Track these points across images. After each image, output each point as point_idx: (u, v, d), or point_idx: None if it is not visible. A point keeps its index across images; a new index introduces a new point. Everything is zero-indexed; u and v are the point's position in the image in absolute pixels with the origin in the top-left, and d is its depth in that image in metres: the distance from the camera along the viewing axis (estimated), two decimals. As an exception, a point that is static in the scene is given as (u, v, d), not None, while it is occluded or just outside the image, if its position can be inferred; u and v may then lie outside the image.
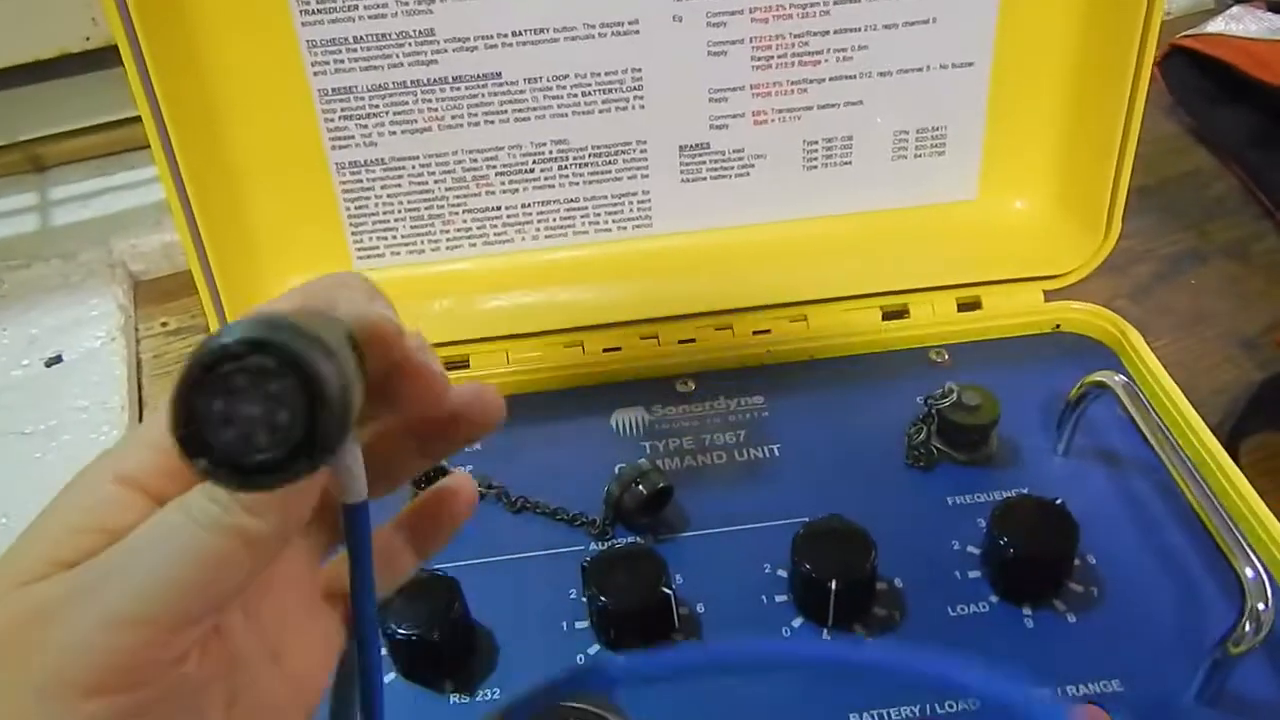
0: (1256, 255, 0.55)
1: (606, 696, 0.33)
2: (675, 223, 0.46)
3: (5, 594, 0.19)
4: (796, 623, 0.35)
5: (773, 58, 0.43)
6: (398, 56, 0.41)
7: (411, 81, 0.42)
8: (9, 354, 0.52)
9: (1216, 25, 0.64)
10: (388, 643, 0.34)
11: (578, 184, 0.45)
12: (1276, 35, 0.62)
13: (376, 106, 0.42)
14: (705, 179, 0.45)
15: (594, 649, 0.35)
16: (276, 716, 0.22)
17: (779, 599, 0.36)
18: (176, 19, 0.38)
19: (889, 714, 0.33)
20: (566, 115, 0.43)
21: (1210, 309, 0.52)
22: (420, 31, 0.41)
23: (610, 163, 0.44)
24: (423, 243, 0.45)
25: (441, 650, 0.34)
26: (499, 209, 0.45)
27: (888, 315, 0.46)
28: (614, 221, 0.46)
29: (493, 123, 0.43)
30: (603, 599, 0.34)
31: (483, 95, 0.42)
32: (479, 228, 0.45)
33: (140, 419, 0.50)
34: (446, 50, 0.41)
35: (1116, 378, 0.38)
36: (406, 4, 0.40)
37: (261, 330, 0.16)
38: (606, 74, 0.42)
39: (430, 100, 0.42)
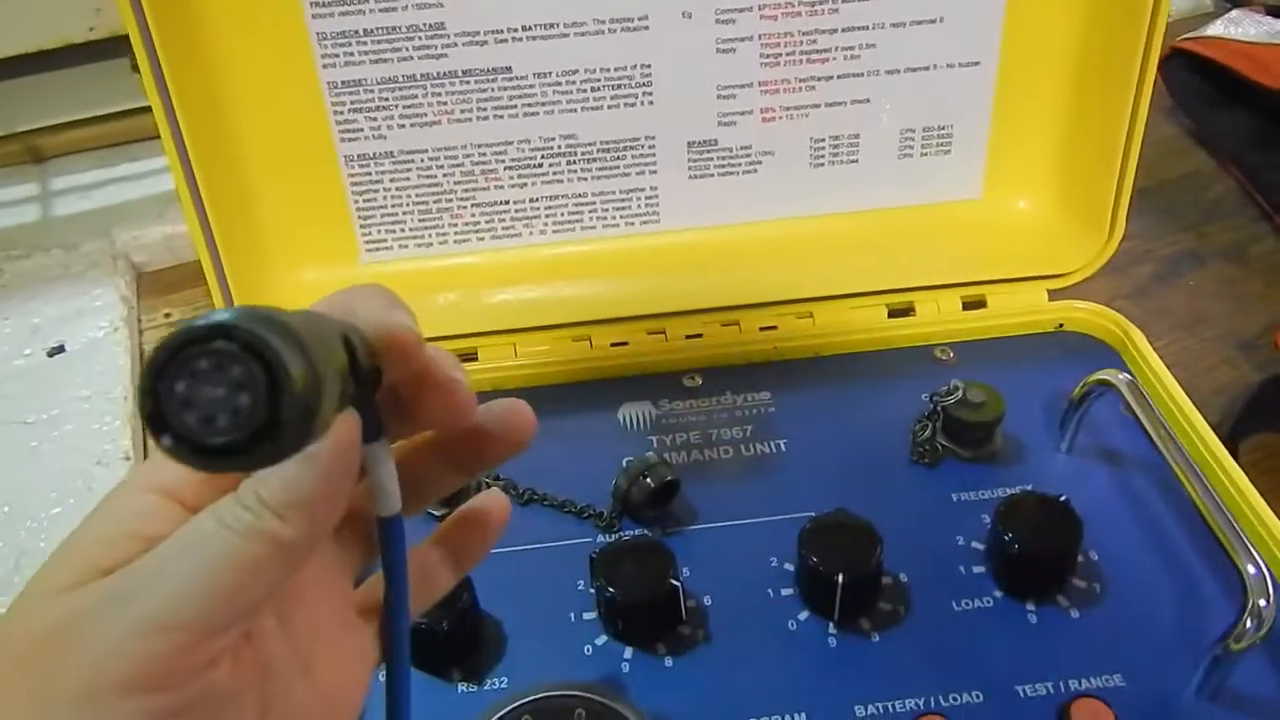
0: (1255, 257, 0.55)
1: (614, 686, 0.33)
2: (683, 219, 0.46)
3: (44, 601, 0.19)
4: (803, 616, 0.35)
5: (781, 55, 0.43)
6: (407, 50, 0.41)
7: (421, 75, 0.42)
8: (11, 343, 0.52)
9: (1216, 28, 0.64)
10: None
11: (586, 179, 0.45)
12: (1275, 39, 0.62)
13: (386, 99, 0.42)
14: (713, 175, 0.45)
15: (601, 640, 0.35)
16: None
17: (785, 592, 0.36)
18: (187, 11, 0.38)
19: (892, 706, 0.33)
20: (575, 110, 0.43)
21: (1209, 310, 0.52)
22: (430, 25, 0.41)
23: (619, 158, 0.44)
24: (431, 236, 0.45)
25: (450, 640, 0.34)
26: (507, 203, 0.45)
27: (893, 313, 0.46)
28: (622, 217, 0.46)
29: (502, 117, 0.43)
30: (611, 590, 0.34)
31: (492, 89, 0.42)
32: (487, 222, 0.45)
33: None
34: (456, 44, 0.41)
35: (1121, 376, 0.38)
36: (418, -3, 0.40)
37: (230, 317, 0.16)
38: (616, 69, 0.42)
39: (440, 94, 0.42)
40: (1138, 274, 0.54)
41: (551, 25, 0.41)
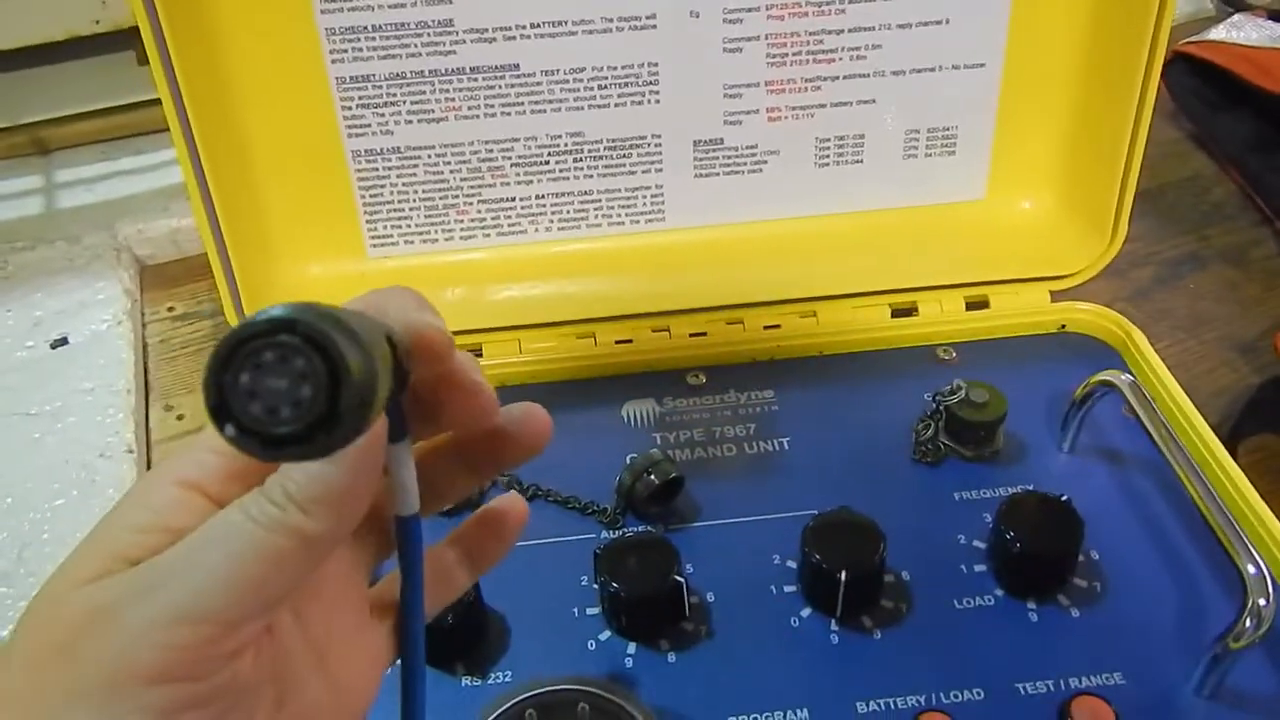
0: (1255, 261, 0.56)
1: (617, 681, 0.33)
2: (688, 217, 0.46)
3: (71, 590, 0.20)
4: (805, 613, 0.36)
5: (787, 55, 0.43)
6: (416, 46, 0.41)
7: (429, 71, 0.42)
8: (14, 335, 0.52)
9: (1218, 32, 0.64)
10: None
11: (592, 177, 0.45)
12: (1277, 43, 0.62)
13: (393, 95, 0.42)
14: (718, 174, 0.46)
15: (605, 635, 0.35)
16: None
17: (788, 589, 0.36)
18: (197, 5, 0.38)
19: (894, 703, 0.33)
20: (582, 108, 0.43)
21: (1209, 313, 0.53)
22: (439, 21, 0.41)
23: (625, 156, 0.45)
24: (436, 232, 0.45)
25: (454, 634, 0.34)
26: (513, 200, 0.45)
27: (896, 313, 0.46)
28: (627, 215, 0.46)
29: (509, 114, 0.43)
30: (614, 586, 0.34)
31: (500, 86, 0.42)
32: (493, 218, 0.45)
33: (146, 403, 0.50)
34: (465, 41, 0.41)
35: (1123, 377, 0.38)
36: (427, -6, 0.40)
37: (291, 311, 0.17)
38: (623, 68, 0.43)
39: (447, 90, 0.42)
40: (1139, 276, 0.54)
41: (560, 23, 0.41)
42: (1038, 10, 0.43)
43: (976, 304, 0.47)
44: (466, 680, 0.34)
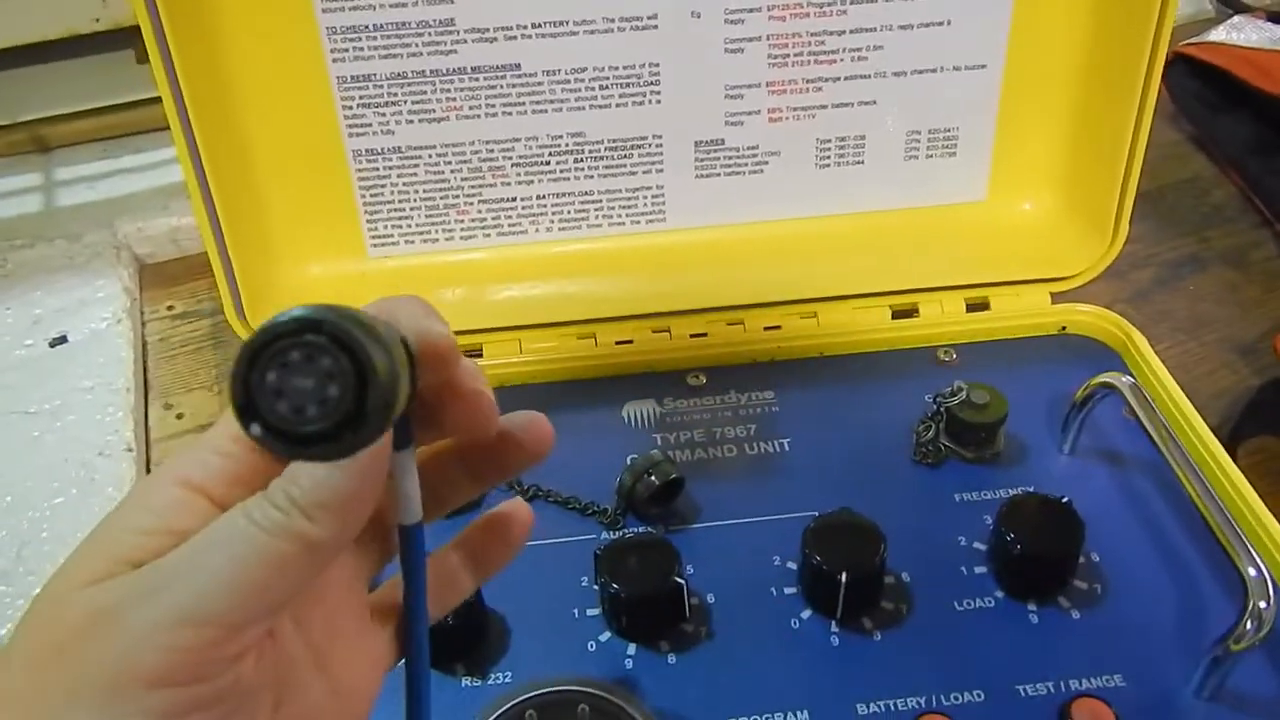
0: (1254, 263, 0.56)
1: (617, 682, 0.33)
2: (689, 218, 0.46)
3: (73, 592, 0.20)
4: (805, 614, 0.36)
5: (789, 56, 0.43)
6: (417, 46, 0.41)
7: (430, 71, 0.42)
8: (13, 333, 0.52)
9: (1218, 34, 0.64)
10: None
11: (593, 177, 0.45)
12: (1277, 45, 0.62)
13: (395, 95, 0.42)
14: (719, 175, 0.46)
15: (605, 636, 0.35)
16: None
17: (788, 591, 0.36)
18: (199, 4, 0.38)
19: (894, 705, 0.33)
20: (583, 108, 0.43)
21: (1209, 315, 0.53)
22: (440, 21, 0.41)
23: (626, 156, 0.45)
24: (437, 232, 0.45)
25: (454, 634, 0.34)
26: (514, 200, 0.45)
27: (897, 314, 0.46)
28: (628, 215, 0.46)
29: (510, 114, 0.43)
30: (615, 586, 0.34)
31: (501, 86, 0.42)
32: (494, 218, 0.45)
33: (146, 401, 0.50)
34: (466, 40, 0.41)
35: (1123, 379, 0.38)
36: (428, -7, 0.40)
37: (317, 312, 0.17)
38: (624, 68, 0.43)
39: (448, 90, 0.42)
40: (1139, 278, 0.55)
41: (561, 23, 0.41)
42: (1039, 12, 0.43)
43: (977, 305, 0.47)
44: (466, 681, 0.34)
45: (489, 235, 0.46)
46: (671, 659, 0.35)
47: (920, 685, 0.33)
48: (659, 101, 0.43)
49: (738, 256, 0.46)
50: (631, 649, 0.35)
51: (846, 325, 0.46)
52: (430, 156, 0.44)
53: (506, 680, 0.34)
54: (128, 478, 0.44)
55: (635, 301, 0.45)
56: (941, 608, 0.36)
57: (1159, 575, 0.37)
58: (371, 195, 0.44)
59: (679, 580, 0.34)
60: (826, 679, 0.34)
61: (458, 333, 0.44)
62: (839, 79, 0.44)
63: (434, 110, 0.43)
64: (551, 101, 0.43)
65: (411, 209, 0.45)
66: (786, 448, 0.42)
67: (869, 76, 0.44)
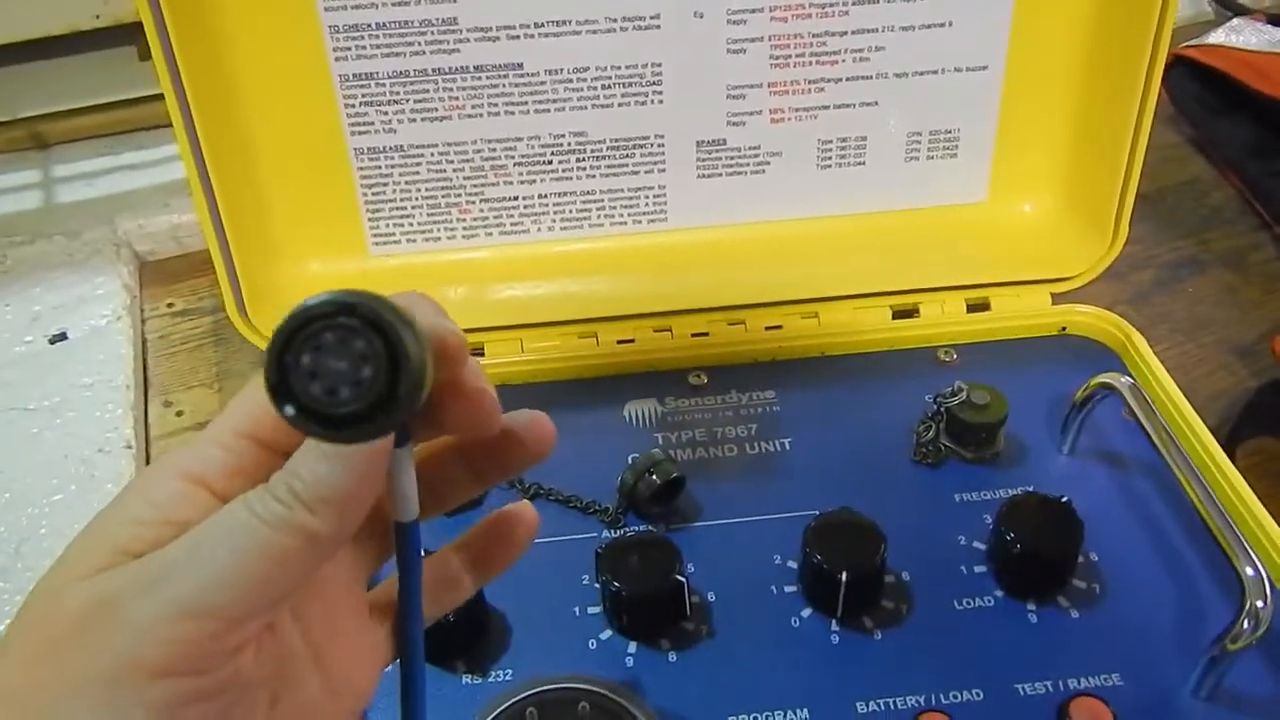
0: (1253, 265, 0.56)
1: (618, 680, 0.34)
2: (690, 218, 0.46)
3: (74, 583, 0.20)
4: (805, 613, 0.36)
5: (791, 56, 0.43)
6: (419, 44, 0.41)
7: (433, 70, 0.42)
8: (12, 330, 0.52)
9: (1217, 36, 0.65)
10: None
11: (595, 176, 0.45)
12: (1276, 48, 0.63)
13: (397, 94, 0.42)
14: (721, 175, 0.46)
15: (606, 634, 0.35)
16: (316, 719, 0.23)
17: (788, 589, 0.36)
18: (201, 1, 0.38)
19: (894, 703, 0.33)
20: (586, 108, 0.43)
21: (1207, 316, 0.53)
22: (443, 20, 0.41)
23: (628, 156, 0.45)
24: (439, 231, 0.45)
25: (455, 631, 0.34)
26: (516, 199, 0.45)
27: (898, 314, 0.46)
28: (630, 215, 0.46)
29: (512, 113, 0.43)
30: (616, 585, 0.34)
31: (503, 85, 0.42)
32: (495, 217, 0.45)
33: (145, 398, 0.50)
34: (468, 39, 0.41)
35: (1123, 380, 0.38)
36: (431, -8, 0.40)
37: (351, 296, 0.18)
38: (627, 68, 0.43)
39: (451, 89, 0.42)
40: (1138, 280, 0.55)
41: (563, 22, 0.41)
42: (1040, 13, 0.43)
43: (978, 306, 0.47)
44: (467, 678, 0.34)
45: (491, 234, 0.46)
46: (672, 657, 0.35)
47: (920, 684, 0.34)
48: (661, 101, 0.44)
49: (739, 256, 0.46)
50: (632, 647, 0.35)
51: (847, 325, 0.46)
52: (432, 155, 0.44)
53: (507, 678, 0.34)
54: (127, 475, 0.44)
55: (637, 301, 0.45)
56: (941, 607, 0.36)
57: (1157, 575, 0.37)
58: (373, 194, 0.44)
59: (680, 579, 0.34)
60: (826, 677, 0.34)
61: (459, 331, 0.44)
62: (840, 80, 0.44)
63: (436, 109, 0.43)
64: (554, 101, 0.43)
65: (413, 207, 0.45)
66: (787, 447, 0.42)
67: (870, 77, 0.44)
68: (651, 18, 0.42)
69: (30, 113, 0.63)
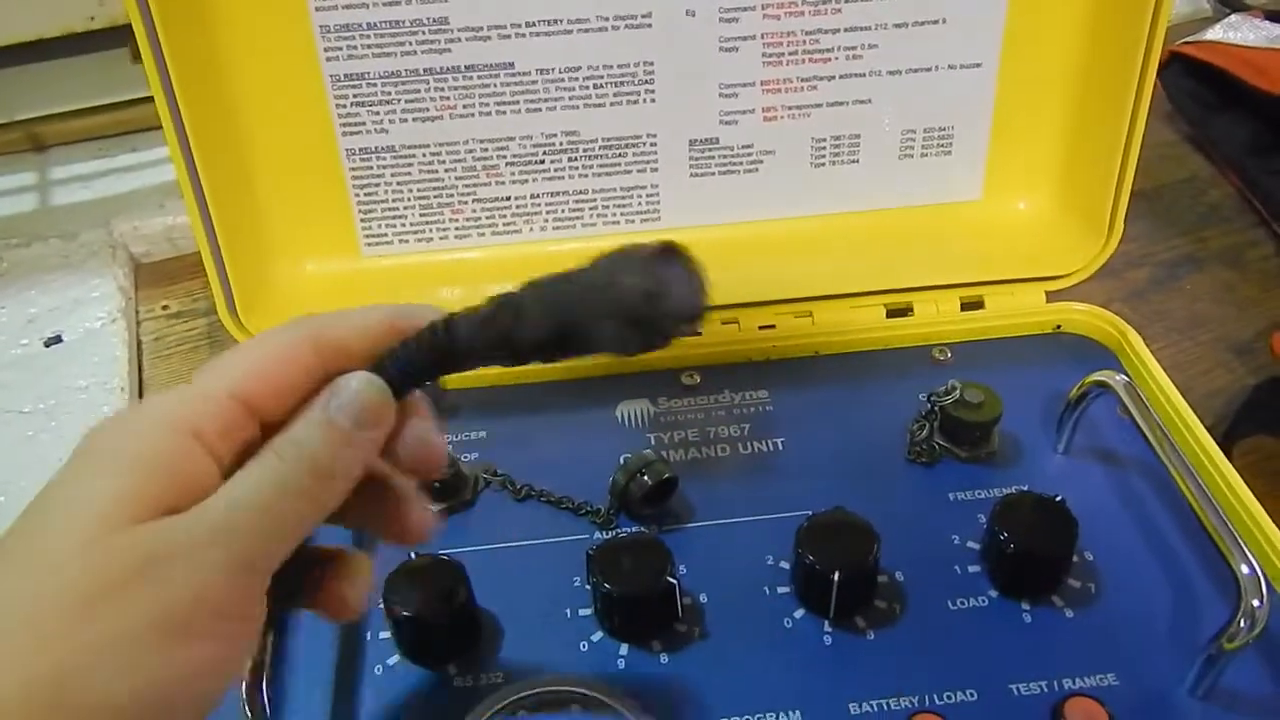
0: (1251, 262, 0.56)
1: (609, 682, 0.33)
2: (683, 217, 0.46)
3: (117, 534, 0.21)
4: (798, 614, 0.36)
5: (783, 54, 0.43)
6: (411, 44, 0.41)
7: (424, 70, 0.42)
8: (7, 332, 0.52)
9: (1215, 33, 0.64)
10: (392, 624, 0.34)
11: (587, 176, 0.45)
12: (1274, 44, 0.62)
13: (388, 94, 0.42)
14: (714, 174, 0.45)
15: (597, 636, 0.35)
16: None
17: (781, 590, 0.36)
18: (191, 3, 0.38)
19: (887, 704, 0.33)
20: (578, 107, 0.43)
21: (1205, 314, 0.53)
22: (434, 20, 0.41)
23: (620, 155, 0.45)
24: (431, 231, 0.45)
25: (445, 633, 0.34)
26: (508, 199, 0.45)
27: (892, 313, 0.46)
28: (622, 214, 0.46)
29: (504, 113, 0.43)
30: (607, 586, 0.34)
31: (495, 85, 0.42)
32: (488, 217, 0.45)
33: (140, 401, 0.50)
34: (460, 39, 0.41)
35: (1118, 378, 0.38)
36: (421, -8, 0.40)
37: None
38: (618, 66, 0.43)
39: (442, 89, 0.42)
40: (1135, 277, 0.54)
41: (555, 21, 0.41)
42: (1034, 10, 0.43)
43: (972, 304, 0.47)
44: (458, 680, 0.34)
45: (483, 234, 0.46)
46: (664, 659, 0.34)
47: (913, 685, 0.33)
48: (653, 100, 0.43)
49: (732, 255, 0.46)
50: (624, 649, 0.35)
51: (841, 324, 0.46)
52: (424, 155, 0.44)
53: (498, 680, 0.34)
54: (121, 477, 0.44)
55: (629, 300, 0.45)
56: (935, 607, 0.36)
57: (1153, 574, 0.37)
58: (365, 194, 0.44)
59: (672, 580, 0.34)
60: (819, 679, 0.34)
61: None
62: (834, 77, 0.44)
63: (428, 109, 0.42)
64: (546, 100, 0.43)
65: (406, 208, 0.45)
66: (780, 447, 0.42)
67: (864, 75, 0.44)
68: (643, 16, 0.41)
69: (25, 115, 0.63)
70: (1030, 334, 0.46)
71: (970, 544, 0.37)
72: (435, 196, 0.45)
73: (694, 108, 0.44)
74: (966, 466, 0.40)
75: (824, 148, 0.45)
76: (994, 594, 0.36)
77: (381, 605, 0.34)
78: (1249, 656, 0.33)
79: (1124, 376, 0.39)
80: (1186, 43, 0.65)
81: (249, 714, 0.31)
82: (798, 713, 0.33)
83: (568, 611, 0.36)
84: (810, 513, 0.36)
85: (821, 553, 0.34)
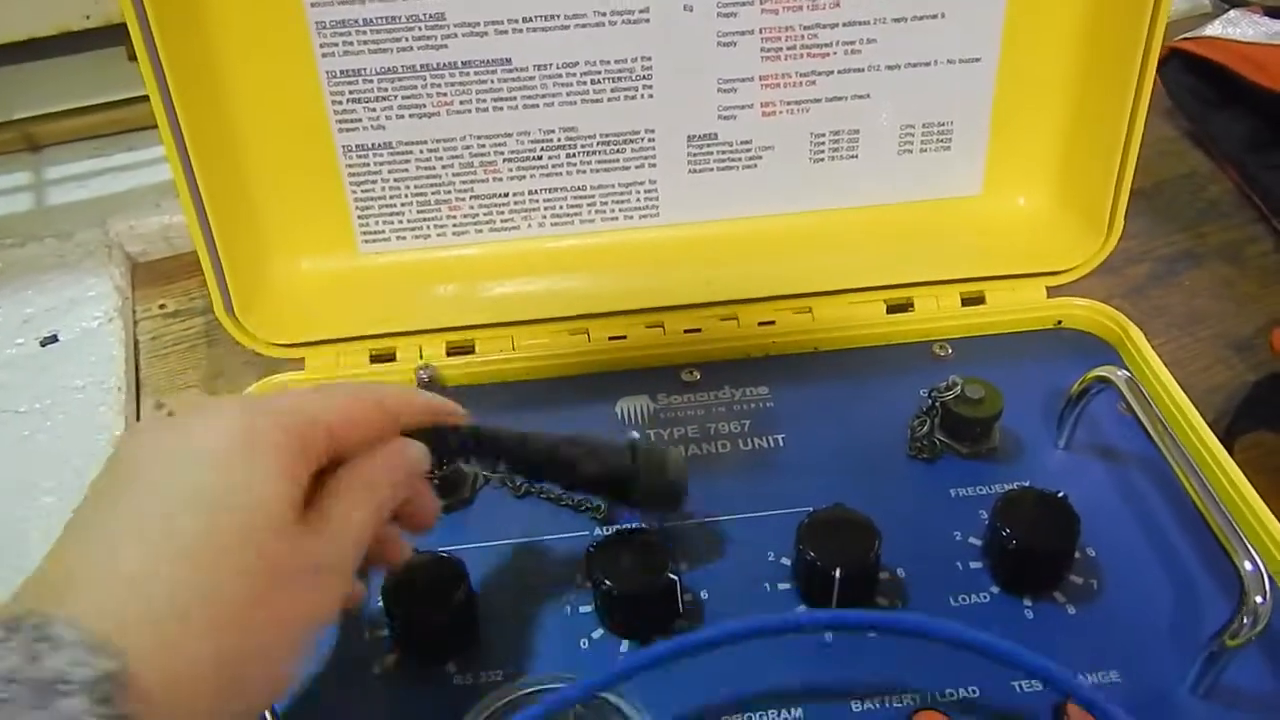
0: (1250, 258, 0.56)
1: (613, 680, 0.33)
2: (682, 213, 0.46)
3: (284, 531, 0.25)
4: (799, 610, 0.35)
5: (782, 49, 0.43)
6: (407, 40, 0.41)
7: (421, 65, 0.41)
8: (3, 332, 0.52)
9: (1214, 29, 0.64)
10: (392, 622, 0.34)
11: (585, 172, 0.45)
12: (1273, 40, 0.62)
13: (385, 90, 0.42)
14: (713, 169, 0.45)
15: (598, 633, 0.35)
16: None
17: (782, 587, 0.36)
18: (186, 0, 0.38)
19: (889, 701, 0.33)
20: (575, 103, 0.43)
21: (1204, 310, 0.52)
22: (430, 15, 0.41)
23: (618, 151, 0.44)
24: (429, 228, 0.45)
25: (446, 631, 0.34)
26: (506, 195, 0.45)
27: (892, 308, 0.46)
28: (621, 210, 0.46)
29: (501, 109, 0.43)
30: (608, 583, 0.34)
31: (492, 81, 0.42)
32: (486, 214, 0.45)
33: (137, 400, 0.50)
34: (456, 35, 0.41)
35: (1119, 373, 0.38)
36: (418, -13, 0.40)
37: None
38: (616, 62, 0.42)
39: (439, 85, 0.42)
40: (1134, 273, 0.54)
41: (552, 17, 0.41)
42: (1034, 5, 0.43)
43: (972, 300, 0.46)
44: (458, 678, 0.34)
45: (481, 231, 0.45)
46: (665, 656, 0.34)
47: (915, 681, 0.33)
48: (651, 96, 0.43)
49: (731, 251, 0.46)
50: (624, 646, 0.34)
51: (841, 320, 0.45)
52: (421, 152, 0.43)
53: (498, 678, 0.34)
54: (118, 476, 0.44)
55: (628, 297, 0.45)
56: (936, 603, 0.35)
57: (1155, 570, 0.36)
58: (362, 191, 0.44)
59: (672, 577, 0.34)
60: (821, 676, 0.34)
61: (449, 329, 0.44)
62: (832, 72, 0.44)
63: (425, 105, 0.42)
64: (543, 96, 0.43)
65: (403, 205, 0.44)
66: (781, 443, 0.41)
67: (862, 70, 0.44)
68: (640, 11, 0.41)
69: (20, 114, 0.63)
70: (1031, 329, 0.46)
71: (972, 540, 0.37)
72: (433, 193, 0.44)
73: (692, 103, 0.44)
74: (967, 462, 0.40)
75: (823, 143, 0.45)
76: (996, 590, 0.36)
77: (380, 603, 0.34)
78: (1251, 653, 0.33)
79: (1125, 372, 0.39)
80: (1186, 38, 0.64)
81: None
82: (799, 710, 0.33)
83: (568, 608, 0.36)
84: (811, 509, 0.36)
85: (823, 549, 0.34)
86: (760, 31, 0.42)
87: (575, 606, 0.36)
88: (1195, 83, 0.64)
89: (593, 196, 0.45)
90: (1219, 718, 0.32)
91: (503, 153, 0.44)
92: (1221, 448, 0.39)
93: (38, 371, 0.50)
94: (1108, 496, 0.39)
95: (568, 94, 0.43)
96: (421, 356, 0.44)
